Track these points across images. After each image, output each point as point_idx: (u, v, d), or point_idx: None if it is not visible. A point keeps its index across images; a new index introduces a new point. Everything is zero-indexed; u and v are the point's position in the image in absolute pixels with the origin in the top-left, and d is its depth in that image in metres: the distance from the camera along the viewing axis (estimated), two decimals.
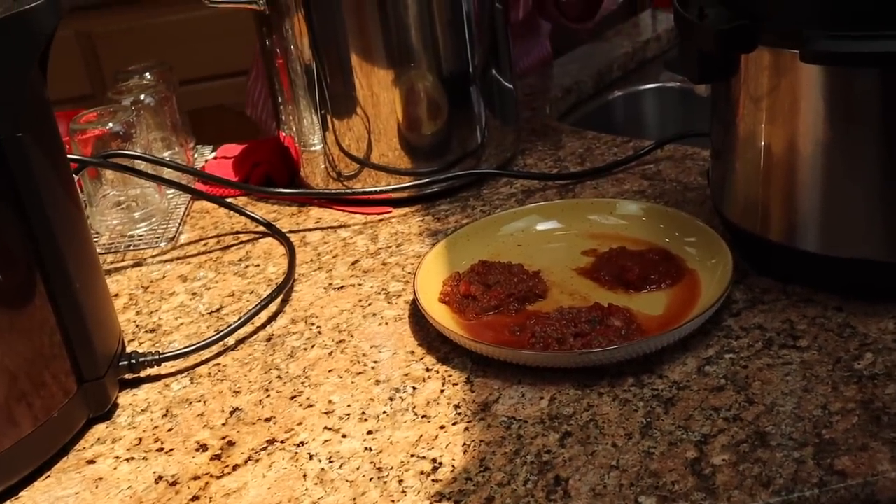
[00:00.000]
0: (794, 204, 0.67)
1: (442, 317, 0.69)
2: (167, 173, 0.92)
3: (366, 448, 0.60)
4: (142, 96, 0.97)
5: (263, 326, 0.74)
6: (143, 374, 0.69)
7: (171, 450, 0.62)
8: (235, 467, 0.59)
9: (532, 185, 0.93)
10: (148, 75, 1.01)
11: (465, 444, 0.59)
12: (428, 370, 0.67)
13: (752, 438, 0.56)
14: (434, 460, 0.58)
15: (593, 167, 0.94)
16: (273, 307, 0.76)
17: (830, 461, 0.54)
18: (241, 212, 0.91)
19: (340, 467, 0.58)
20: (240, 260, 0.86)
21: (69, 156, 0.81)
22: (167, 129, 1.00)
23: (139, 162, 0.87)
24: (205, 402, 0.66)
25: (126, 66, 1.02)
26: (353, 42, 0.87)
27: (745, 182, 0.71)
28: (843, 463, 0.53)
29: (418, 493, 0.55)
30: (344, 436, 0.61)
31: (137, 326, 0.77)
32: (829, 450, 0.54)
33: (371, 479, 0.57)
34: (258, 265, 0.85)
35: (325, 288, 0.79)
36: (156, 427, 0.64)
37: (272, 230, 0.89)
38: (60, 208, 0.61)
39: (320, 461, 0.59)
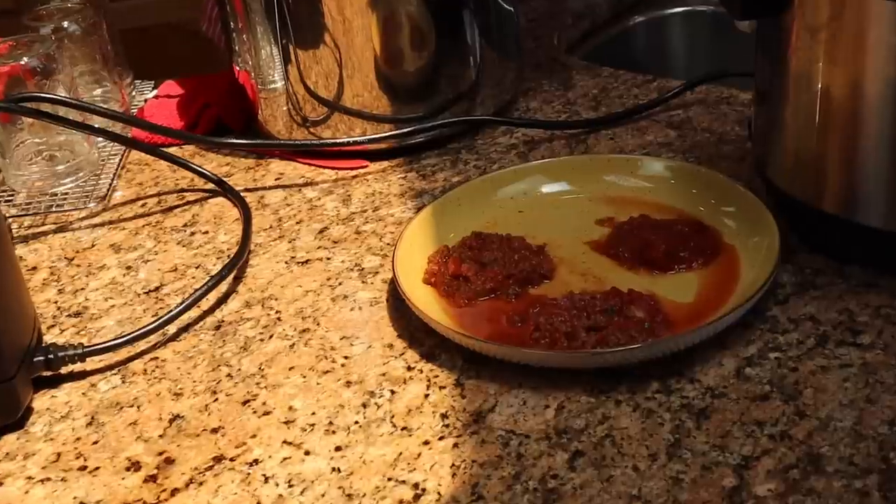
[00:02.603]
0: (857, 166, 0.63)
1: (426, 303, 0.65)
2: (98, 118, 0.86)
3: (333, 469, 0.56)
4: (64, 23, 0.92)
5: (212, 311, 0.70)
6: (63, 370, 0.65)
7: (97, 468, 0.58)
8: (174, 492, 0.56)
9: (536, 134, 0.89)
10: None
11: (453, 464, 0.55)
12: (409, 369, 0.63)
13: (804, 462, 0.52)
14: (416, 485, 0.54)
15: (609, 113, 0.90)
16: (224, 286, 0.72)
17: None
18: (186, 165, 0.87)
19: (302, 493, 0.55)
20: (184, 225, 0.81)
21: None
22: (97, 62, 0.96)
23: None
24: (139, 406, 0.62)
25: None
26: None
27: (796, 136, 0.67)
28: None
29: None
30: (307, 452, 0.57)
31: (59, 309, 0.73)
32: None
33: None
34: (206, 232, 0.80)
35: (286, 262, 0.75)
36: (78, 439, 0.60)
37: (224, 188, 0.85)
38: None
39: (277, 485, 0.55)
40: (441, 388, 0.61)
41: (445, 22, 0.87)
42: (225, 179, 0.86)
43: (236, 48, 0.90)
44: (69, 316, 0.72)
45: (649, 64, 1.11)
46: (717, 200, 0.71)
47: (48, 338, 0.69)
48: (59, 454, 0.59)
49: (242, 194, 0.83)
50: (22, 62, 0.83)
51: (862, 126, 0.62)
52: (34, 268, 0.78)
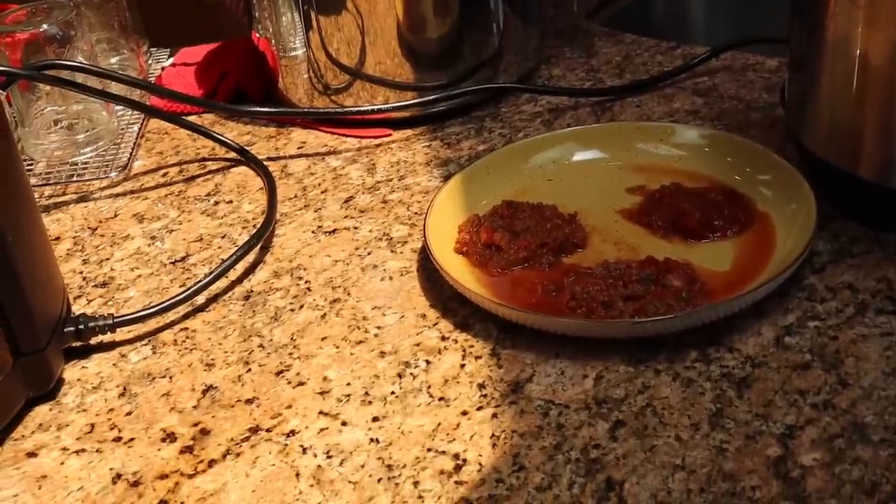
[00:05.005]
0: (894, 132, 0.62)
1: (459, 272, 0.64)
2: (116, 87, 0.85)
3: (371, 440, 0.55)
4: None
5: (240, 281, 0.69)
6: (93, 341, 0.64)
7: (132, 439, 0.57)
8: (211, 463, 0.55)
9: (560, 102, 0.87)
10: None
11: (493, 435, 0.54)
12: (444, 339, 0.62)
13: (849, 431, 0.52)
14: (456, 456, 0.54)
15: (634, 80, 0.88)
16: (251, 256, 0.71)
17: None
18: (207, 134, 0.86)
19: (341, 464, 0.54)
20: (208, 195, 0.80)
21: None
22: (114, 29, 0.94)
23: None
24: (171, 377, 0.62)
25: None
26: None
27: (833, 103, 0.65)
28: None
29: (439, 498, 0.51)
30: (344, 423, 0.57)
31: (84, 279, 0.72)
32: None
33: (380, 480, 0.53)
34: (230, 201, 0.79)
35: (313, 232, 0.74)
36: (111, 410, 0.60)
37: (246, 157, 0.84)
38: None
39: (316, 456, 0.55)
40: (477, 358, 0.60)
41: None
42: (247, 148, 0.85)
43: (256, 15, 0.89)
44: (95, 286, 0.71)
45: (668, 29, 1.10)
46: (753, 169, 0.70)
47: (76, 308, 0.68)
48: (92, 425, 0.59)
49: (265, 163, 0.82)
50: (41, 29, 0.82)
51: None
52: (57, 238, 0.77)
